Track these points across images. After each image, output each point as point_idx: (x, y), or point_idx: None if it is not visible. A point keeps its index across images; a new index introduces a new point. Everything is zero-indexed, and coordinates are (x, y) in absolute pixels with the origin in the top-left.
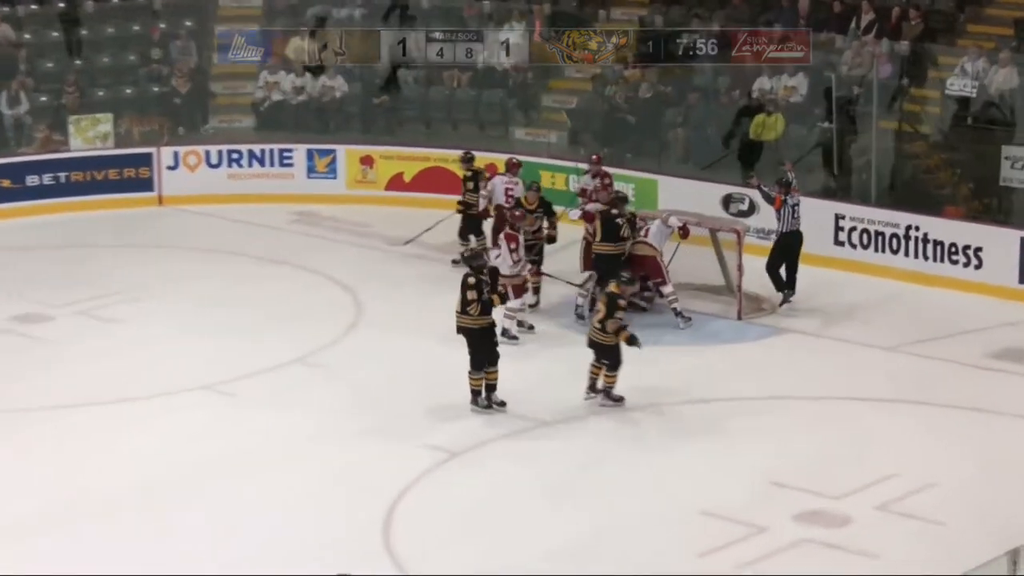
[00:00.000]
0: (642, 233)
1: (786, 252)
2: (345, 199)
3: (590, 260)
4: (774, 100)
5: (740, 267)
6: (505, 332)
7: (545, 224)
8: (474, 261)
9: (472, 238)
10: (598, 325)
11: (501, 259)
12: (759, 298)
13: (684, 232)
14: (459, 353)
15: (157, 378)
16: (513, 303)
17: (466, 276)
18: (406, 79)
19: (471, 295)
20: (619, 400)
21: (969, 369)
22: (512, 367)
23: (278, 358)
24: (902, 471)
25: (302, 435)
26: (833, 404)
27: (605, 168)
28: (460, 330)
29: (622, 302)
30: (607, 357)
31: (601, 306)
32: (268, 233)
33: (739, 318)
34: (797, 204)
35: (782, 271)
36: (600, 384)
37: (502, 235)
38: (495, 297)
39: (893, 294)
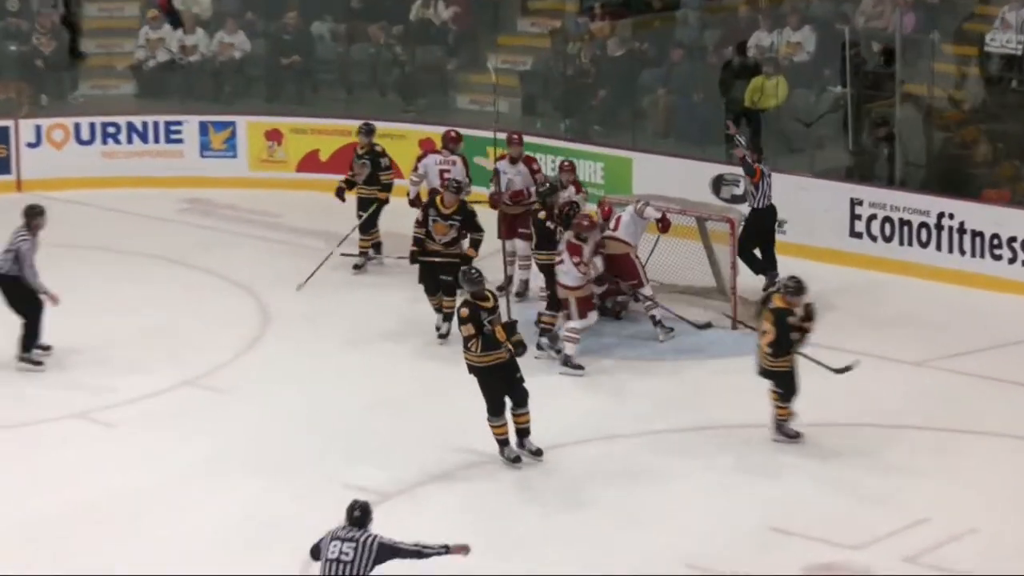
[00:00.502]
0: (611, 226)
1: (762, 231)
2: (247, 183)
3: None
4: (774, 59)
5: (734, 265)
6: (567, 360)
7: (464, 244)
8: (473, 286)
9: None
10: (768, 349)
11: (566, 271)
12: (758, 303)
13: (664, 225)
14: (389, 371)
15: (17, 406)
16: (576, 323)
17: (460, 306)
18: (321, 34)
19: (467, 330)
20: (795, 436)
21: (1015, 389)
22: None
23: (165, 380)
24: (934, 515)
25: (195, 476)
26: (849, 432)
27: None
28: (470, 370)
29: (792, 319)
30: (782, 385)
31: (768, 325)
32: (152, 225)
33: (734, 327)
34: (770, 175)
35: (756, 252)
36: (771, 417)
37: (564, 246)
38: (498, 329)
39: (921, 296)
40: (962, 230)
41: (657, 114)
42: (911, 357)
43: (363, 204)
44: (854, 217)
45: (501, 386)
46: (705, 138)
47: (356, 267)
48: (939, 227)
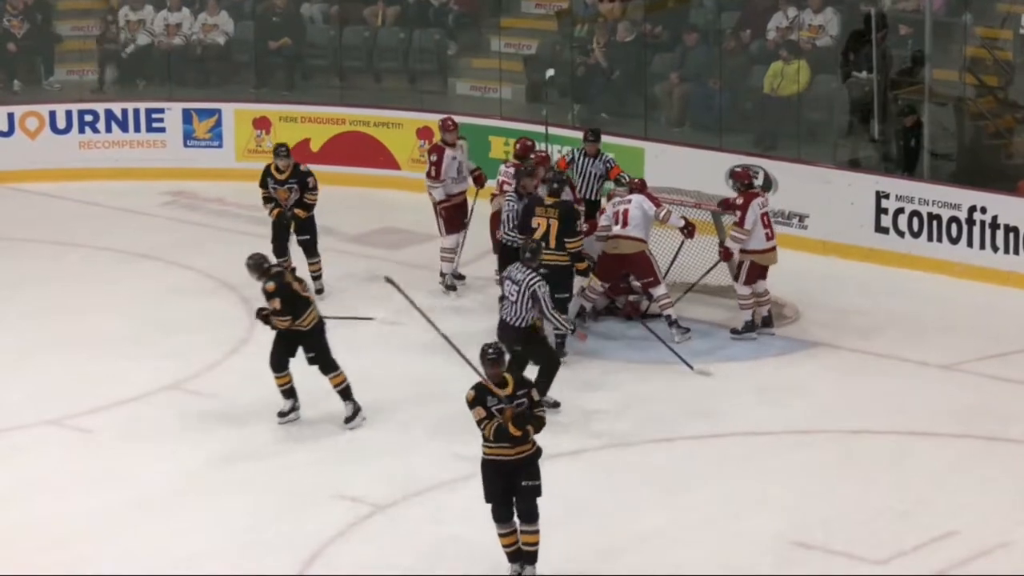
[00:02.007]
0: (619, 224)
1: None
2: (234, 174)
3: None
4: (795, 43)
5: None
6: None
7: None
8: (490, 367)
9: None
10: None
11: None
12: (779, 302)
13: (690, 231)
14: (382, 377)
15: (2, 408)
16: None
17: (470, 388)
18: (312, 16)
19: (477, 414)
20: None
21: None
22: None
23: (146, 384)
24: (965, 527)
25: (178, 484)
26: (871, 440)
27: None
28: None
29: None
30: None
31: None
32: (132, 220)
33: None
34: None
35: None
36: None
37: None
38: (510, 425)
39: (952, 296)
40: (995, 225)
41: (670, 102)
42: (940, 360)
43: (303, 228)
44: (880, 211)
45: (504, 487)
46: (721, 127)
47: (319, 291)
48: (970, 221)
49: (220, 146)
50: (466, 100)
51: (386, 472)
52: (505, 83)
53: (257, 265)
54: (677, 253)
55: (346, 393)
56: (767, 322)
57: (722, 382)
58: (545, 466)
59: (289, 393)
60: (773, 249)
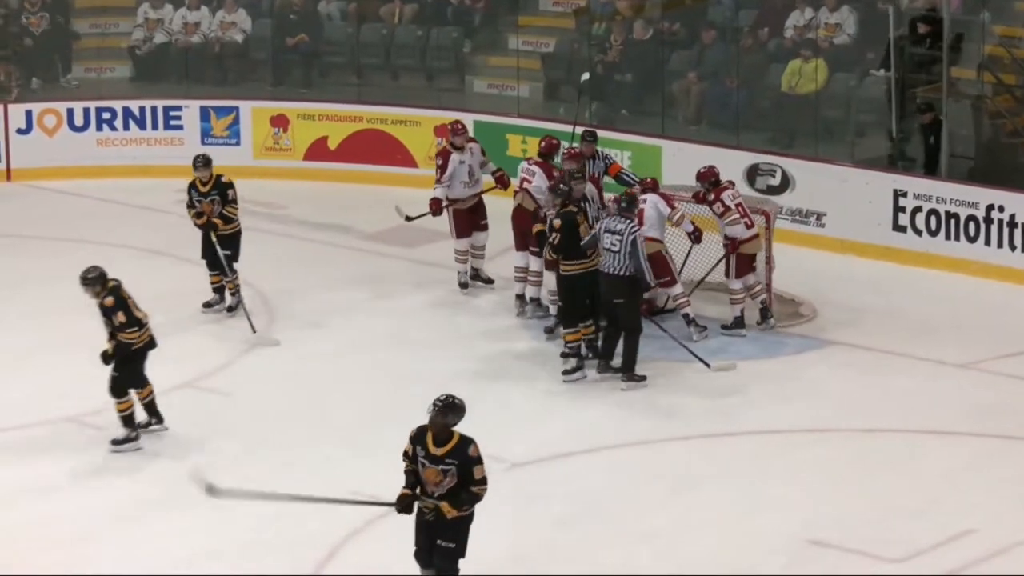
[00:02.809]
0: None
1: None
2: (251, 172)
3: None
4: (813, 41)
5: (770, 260)
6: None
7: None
8: (440, 412)
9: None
10: None
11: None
12: (795, 301)
13: (697, 236)
14: (400, 370)
15: (4, 408)
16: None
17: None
18: (329, 13)
19: (405, 456)
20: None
21: None
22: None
23: (161, 381)
24: (981, 526)
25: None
26: (890, 439)
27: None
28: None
29: None
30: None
31: None
32: (150, 217)
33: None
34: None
35: None
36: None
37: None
38: (429, 473)
39: (969, 295)
40: (1013, 223)
41: (688, 99)
42: (956, 359)
43: (225, 243)
44: (897, 209)
45: (425, 539)
46: (739, 125)
47: (231, 309)
48: (988, 220)
49: (238, 144)
50: (483, 98)
51: (399, 470)
52: (523, 81)
53: (98, 279)
54: (687, 256)
55: (151, 408)
56: (764, 313)
57: (737, 380)
58: (560, 464)
59: (128, 421)
60: (757, 236)
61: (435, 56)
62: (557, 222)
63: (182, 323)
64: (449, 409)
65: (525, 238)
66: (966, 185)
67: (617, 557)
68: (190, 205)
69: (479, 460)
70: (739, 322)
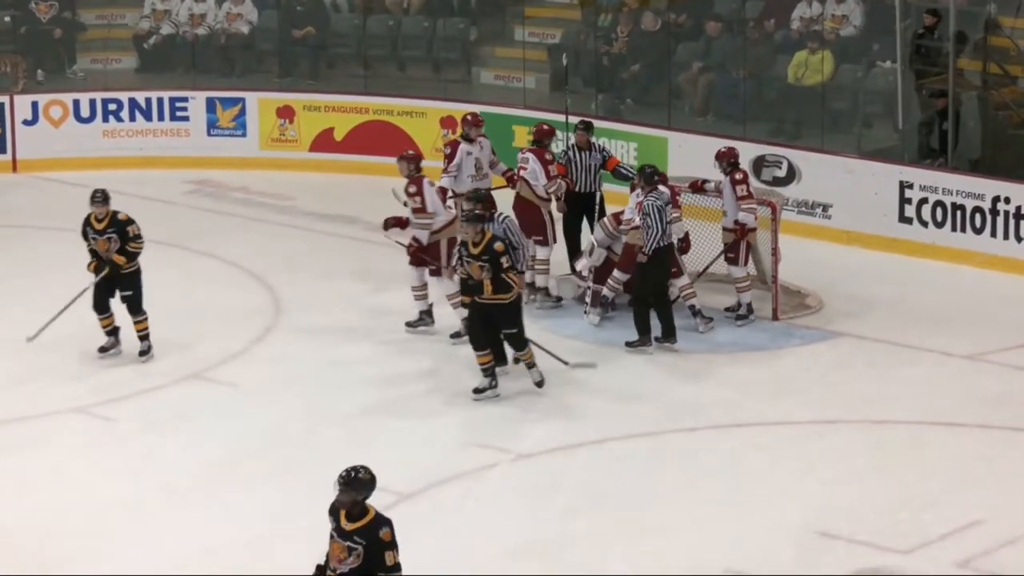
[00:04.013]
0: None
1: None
2: (257, 163)
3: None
4: (819, 33)
5: (776, 252)
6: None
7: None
8: (344, 488)
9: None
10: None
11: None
12: (801, 292)
13: (685, 246)
14: (407, 365)
15: (12, 399)
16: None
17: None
18: (336, 4)
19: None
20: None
21: None
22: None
23: (170, 373)
24: (990, 517)
25: (202, 474)
26: (898, 430)
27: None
28: None
29: None
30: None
31: None
32: (156, 208)
33: (775, 318)
34: None
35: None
36: None
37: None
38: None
39: (976, 286)
40: (1019, 215)
41: (694, 91)
42: (964, 350)
43: (126, 283)
44: (903, 201)
45: None
46: (745, 116)
47: (143, 353)
48: (994, 212)
49: (244, 135)
50: (490, 89)
51: (410, 461)
52: (529, 72)
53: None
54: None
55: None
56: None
57: (745, 372)
58: (568, 455)
59: None
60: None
61: (442, 47)
62: (499, 245)
63: (188, 313)
64: (349, 484)
65: (529, 228)
66: (972, 177)
67: (625, 549)
68: (83, 236)
69: (392, 545)
70: (750, 308)
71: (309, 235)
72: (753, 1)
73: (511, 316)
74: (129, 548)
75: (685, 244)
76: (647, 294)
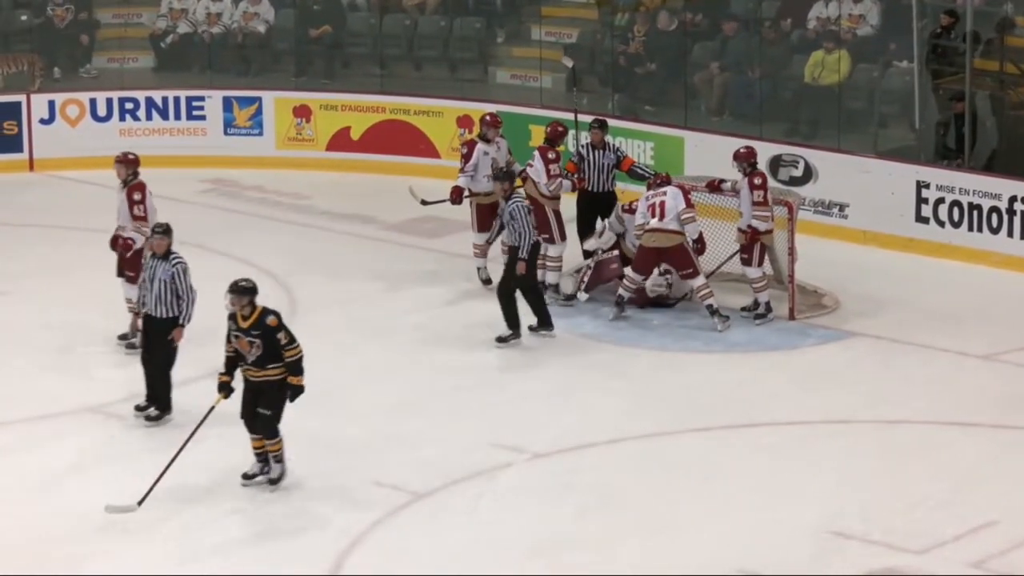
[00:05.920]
0: (656, 216)
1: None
2: (274, 162)
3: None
4: (836, 33)
5: (792, 251)
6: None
7: None
8: (243, 296)
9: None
10: None
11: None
12: (817, 292)
13: (700, 248)
14: (421, 361)
15: (28, 397)
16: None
17: None
18: (353, 3)
19: None
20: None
21: None
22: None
23: (186, 372)
24: (1004, 517)
25: (219, 472)
26: (913, 430)
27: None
28: None
29: None
30: None
31: None
32: (172, 207)
33: (792, 318)
34: None
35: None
36: None
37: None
38: None
39: (992, 286)
40: None
41: (710, 91)
42: (979, 350)
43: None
44: (920, 201)
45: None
46: (762, 116)
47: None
48: (1011, 212)
49: (260, 134)
50: (506, 89)
51: (425, 460)
52: (545, 72)
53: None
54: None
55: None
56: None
57: (759, 371)
58: (581, 455)
59: None
60: (772, 230)
61: (458, 47)
62: (272, 319)
63: (204, 312)
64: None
65: (539, 226)
66: (989, 176)
67: (638, 548)
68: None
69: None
70: (769, 307)
71: (325, 234)
72: (769, 1)
73: (273, 396)
74: (144, 546)
75: (700, 245)
76: (512, 288)
